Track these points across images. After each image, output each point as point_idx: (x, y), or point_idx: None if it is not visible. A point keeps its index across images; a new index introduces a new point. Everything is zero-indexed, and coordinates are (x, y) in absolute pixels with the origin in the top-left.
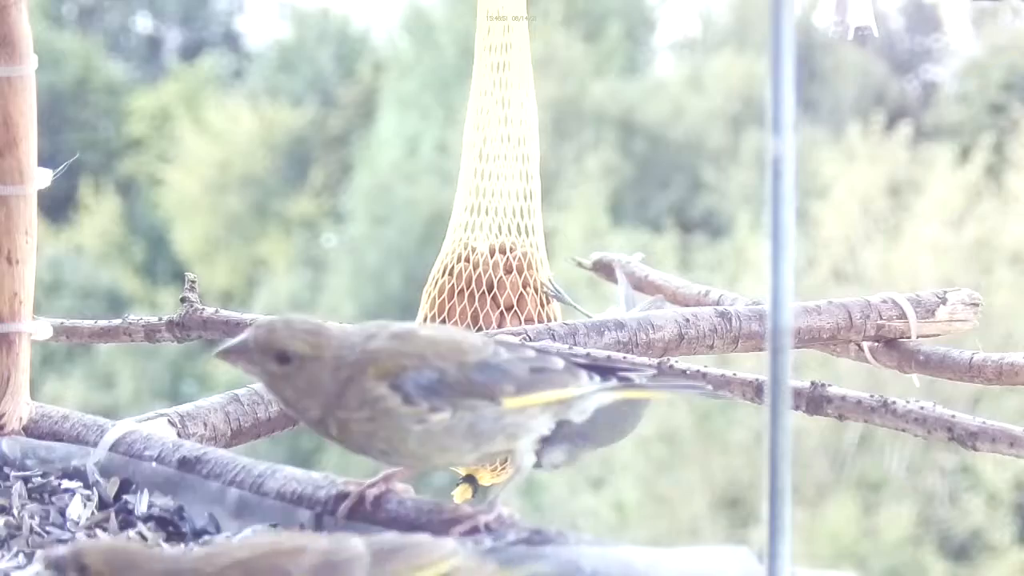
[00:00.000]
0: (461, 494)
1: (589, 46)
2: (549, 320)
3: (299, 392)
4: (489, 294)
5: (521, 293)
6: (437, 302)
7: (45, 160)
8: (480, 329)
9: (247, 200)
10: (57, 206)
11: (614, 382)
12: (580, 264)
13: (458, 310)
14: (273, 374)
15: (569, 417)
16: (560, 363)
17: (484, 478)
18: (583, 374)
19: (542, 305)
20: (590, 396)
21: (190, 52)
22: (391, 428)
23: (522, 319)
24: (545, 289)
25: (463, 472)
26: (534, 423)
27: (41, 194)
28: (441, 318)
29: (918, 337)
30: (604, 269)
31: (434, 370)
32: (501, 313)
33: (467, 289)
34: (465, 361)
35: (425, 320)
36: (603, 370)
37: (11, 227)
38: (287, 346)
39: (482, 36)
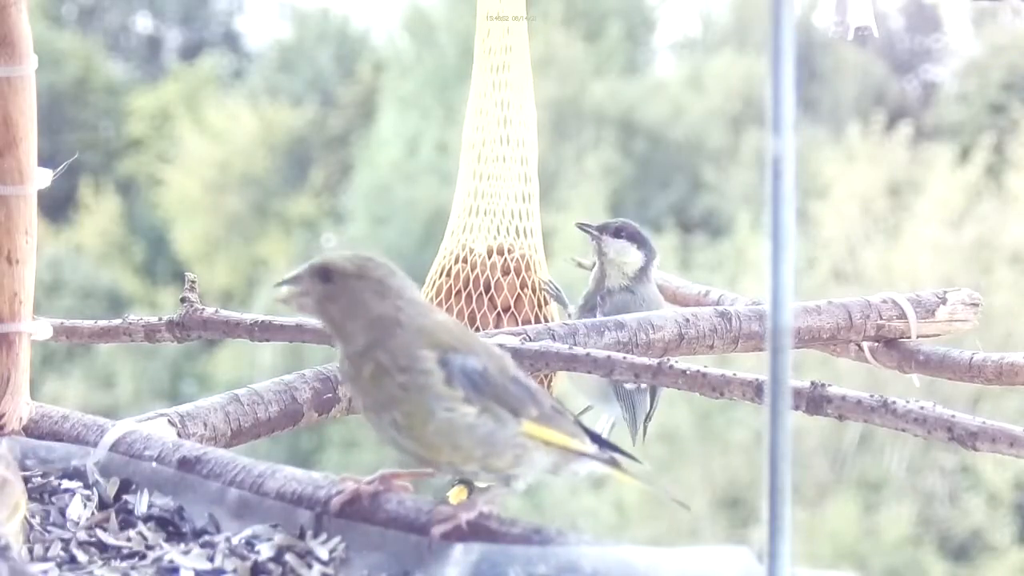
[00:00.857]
0: (456, 495)
1: (589, 46)
2: (546, 322)
3: (344, 312)
4: (486, 295)
5: (519, 295)
6: (434, 303)
7: (45, 160)
8: (477, 331)
9: (247, 200)
10: (57, 206)
11: (608, 456)
12: (580, 264)
13: (455, 311)
14: (319, 295)
15: (560, 475)
16: (571, 416)
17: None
18: (587, 436)
19: (539, 307)
20: (587, 460)
21: (190, 52)
22: (418, 404)
23: (519, 321)
24: (544, 288)
25: None
26: (536, 457)
27: (41, 194)
28: None
29: (918, 337)
30: None
31: (481, 362)
32: (498, 315)
33: (464, 290)
34: (505, 369)
35: None
36: (598, 440)
37: (11, 227)
38: (330, 264)
39: (481, 37)
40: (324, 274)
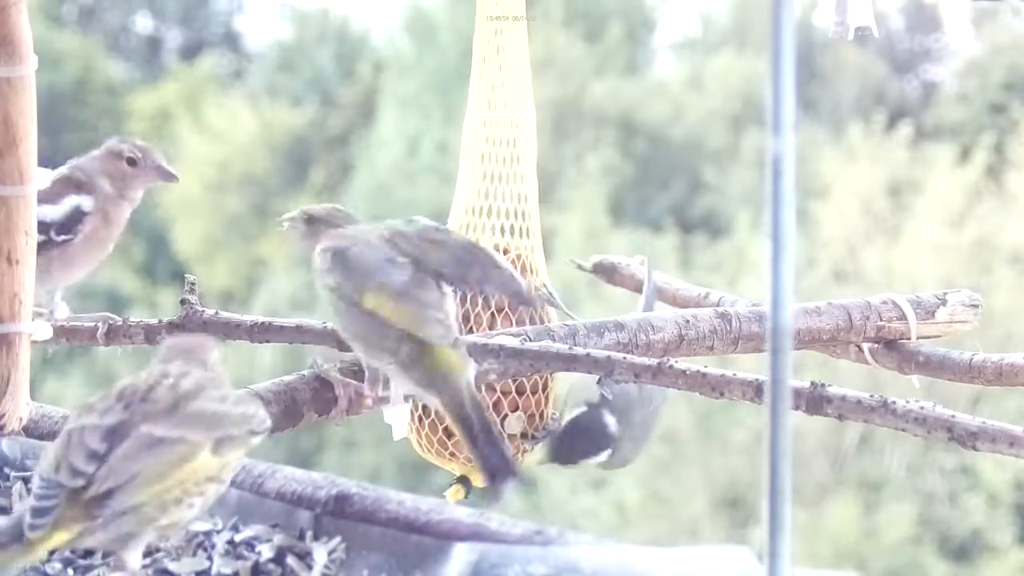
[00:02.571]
0: (454, 494)
1: (589, 46)
2: (541, 323)
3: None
4: (481, 295)
5: None
6: None
7: (45, 160)
8: (472, 330)
9: (247, 200)
10: None
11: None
12: (580, 267)
13: None
14: (303, 232)
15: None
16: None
17: (477, 479)
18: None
19: (536, 308)
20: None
21: (190, 52)
22: (324, 299)
23: (513, 321)
24: (538, 293)
25: (458, 472)
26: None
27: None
28: None
29: (918, 338)
30: (604, 271)
31: (359, 247)
32: (492, 314)
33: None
34: (392, 257)
35: None
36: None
37: (11, 227)
38: (310, 211)
39: (480, 36)
40: (307, 218)
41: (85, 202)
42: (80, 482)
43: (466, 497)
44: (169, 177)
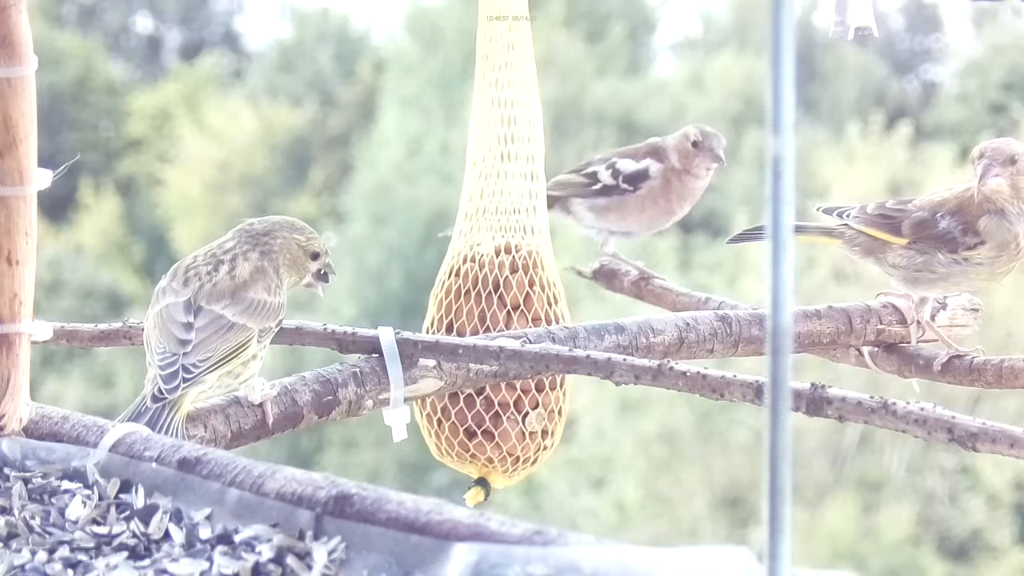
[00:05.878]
0: (473, 496)
1: (590, 46)
2: (556, 319)
3: None
4: (496, 294)
5: (528, 292)
6: (444, 303)
7: (45, 160)
8: (488, 329)
9: (247, 200)
10: (57, 206)
11: None
12: (580, 273)
13: (465, 311)
14: None
15: None
16: None
17: (497, 481)
18: None
19: (549, 304)
20: None
21: (190, 52)
22: None
23: (529, 318)
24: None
25: (476, 475)
26: None
27: (41, 194)
28: (448, 319)
29: (918, 342)
30: (605, 277)
31: None
32: (508, 312)
33: (473, 289)
34: None
35: (433, 323)
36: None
37: (11, 228)
38: None
39: (484, 36)
40: None
41: (653, 167)
42: (185, 349)
43: (485, 499)
44: (718, 160)
